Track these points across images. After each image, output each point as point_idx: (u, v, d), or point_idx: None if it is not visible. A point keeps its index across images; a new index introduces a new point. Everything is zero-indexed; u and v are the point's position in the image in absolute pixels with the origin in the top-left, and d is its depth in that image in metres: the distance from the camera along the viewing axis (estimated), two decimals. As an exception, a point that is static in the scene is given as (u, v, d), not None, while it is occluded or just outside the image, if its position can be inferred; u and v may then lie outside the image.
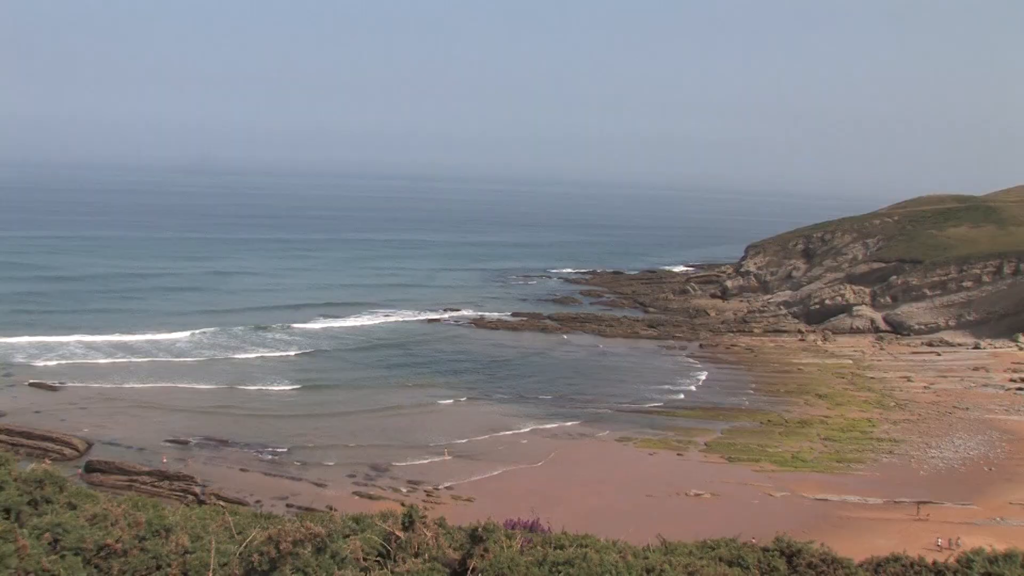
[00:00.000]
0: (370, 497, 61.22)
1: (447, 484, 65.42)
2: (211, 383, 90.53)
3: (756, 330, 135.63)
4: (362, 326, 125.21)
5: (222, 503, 52.73)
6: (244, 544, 9.11)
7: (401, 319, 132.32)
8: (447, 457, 71.66)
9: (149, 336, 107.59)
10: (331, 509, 47.33)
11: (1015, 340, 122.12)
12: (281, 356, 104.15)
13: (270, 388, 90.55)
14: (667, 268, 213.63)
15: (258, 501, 59.18)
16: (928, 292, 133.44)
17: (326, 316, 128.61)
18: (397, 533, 9.90)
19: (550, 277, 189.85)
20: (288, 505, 58.18)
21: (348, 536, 9.71)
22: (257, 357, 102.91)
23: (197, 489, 61.29)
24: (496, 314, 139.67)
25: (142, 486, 60.00)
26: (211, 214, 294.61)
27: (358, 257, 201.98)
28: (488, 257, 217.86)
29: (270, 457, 69.93)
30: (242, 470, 66.69)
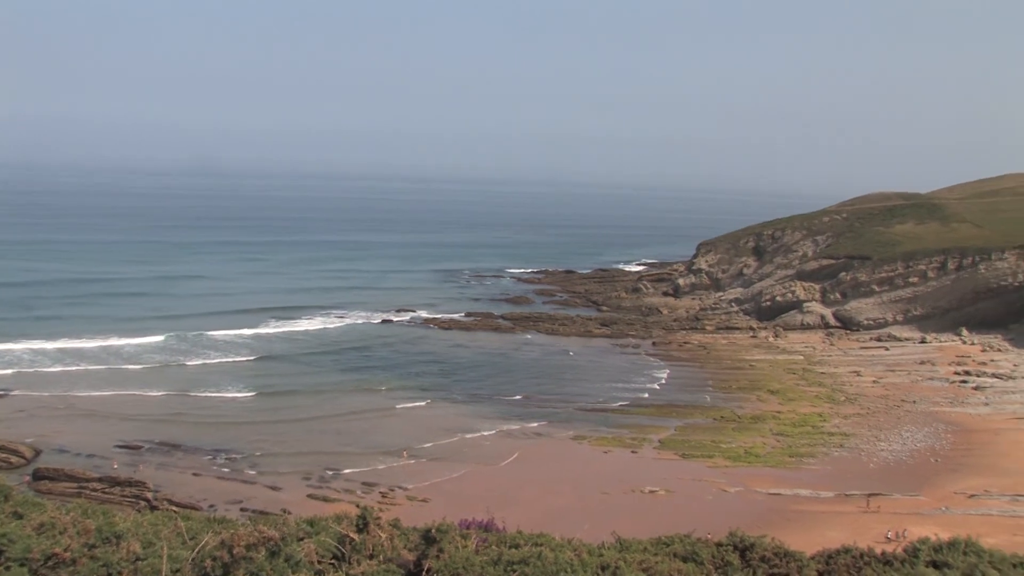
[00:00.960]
0: (325, 499, 60.79)
1: (402, 485, 65.19)
2: (163, 389, 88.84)
3: (708, 327, 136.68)
4: (316, 329, 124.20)
5: (175, 508, 51.87)
6: (197, 549, 9.03)
7: (354, 321, 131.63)
8: (403, 459, 71.39)
9: (99, 342, 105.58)
10: (285, 512, 47.01)
11: (959, 334, 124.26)
12: (234, 361, 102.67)
13: (223, 394, 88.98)
14: (619, 267, 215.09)
15: (212, 505, 58.51)
16: (876, 288, 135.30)
17: (279, 319, 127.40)
18: (351, 535, 9.87)
19: (503, 277, 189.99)
20: (242, 509, 57.62)
21: (302, 539, 9.66)
22: (209, 362, 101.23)
23: (149, 495, 60.37)
24: (450, 314, 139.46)
25: (92, 493, 58.98)
26: (165, 216, 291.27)
27: (311, 259, 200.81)
28: (441, 257, 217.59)
29: (224, 461, 69.07)
30: (195, 475, 65.85)
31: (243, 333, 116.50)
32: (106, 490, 60.70)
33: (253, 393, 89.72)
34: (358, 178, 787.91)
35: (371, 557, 9.73)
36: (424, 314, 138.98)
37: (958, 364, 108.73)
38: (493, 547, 10.45)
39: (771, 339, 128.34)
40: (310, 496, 62.21)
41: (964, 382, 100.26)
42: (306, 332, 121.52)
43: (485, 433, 79.80)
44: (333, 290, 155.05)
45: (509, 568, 9.45)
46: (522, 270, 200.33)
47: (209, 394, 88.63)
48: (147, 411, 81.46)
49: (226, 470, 67.44)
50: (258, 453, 71.26)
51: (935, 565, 10.56)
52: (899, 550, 11.60)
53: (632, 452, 75.34)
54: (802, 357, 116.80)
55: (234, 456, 70.19)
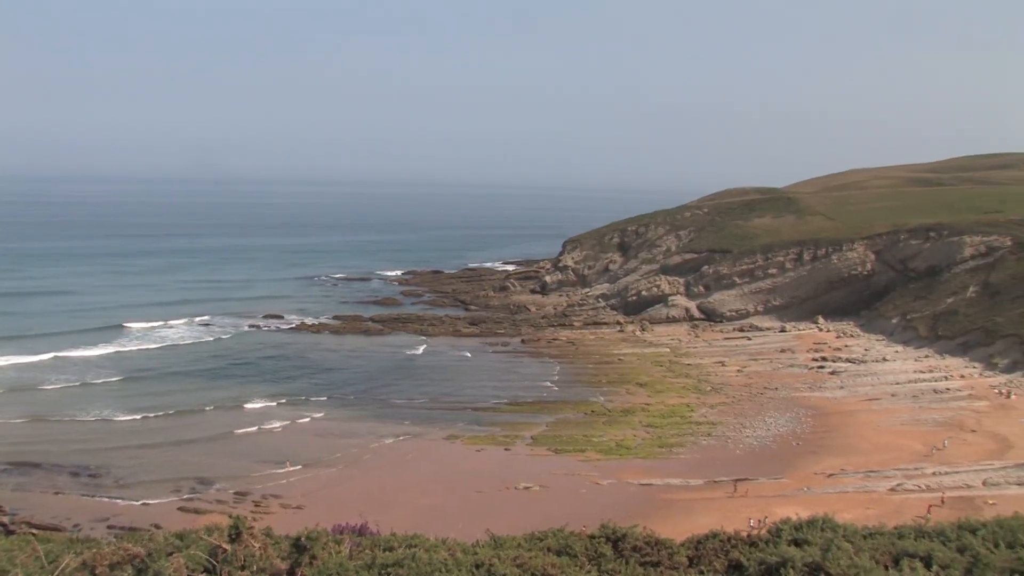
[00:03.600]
0: (196, 512, 59.02)
1: (276, 494, 63.87)
2: (16, 416, 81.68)
3: (576, 323, 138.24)
4: (181, 340, 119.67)
5: (34, 531, 49.40)
6: (56, 573, 8.47)
7: (221, 329, 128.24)
8: (273, 466, 69.81)
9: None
10: (156, 527, 45.32)
11: (815, 322, 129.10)
12: (95, 382, 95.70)
13: (85, 416, 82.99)
14: (486, 266, 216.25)
15: (76, 525, 55.93)
16: (737, 280, 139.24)
17: (142, 331, 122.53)
18: (223, 546, 9.64)
19: (370, 279, 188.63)
20: (109, 527, 55.31)
21: (172, 554, 9.42)
22: (66, 381, 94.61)
23: (4, 518, 57.26)
24: (318, 318, 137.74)
25: (-63, 523, 55.56)
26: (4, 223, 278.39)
27: (173, 266, 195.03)
28: (308, 261, 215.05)
29: (88, 479, 65.93)
30: (57, 494, 62.76)
31: (104, 350, 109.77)
32: (-48, 518, 57.18)
33: (118, 412, 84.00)
34: (214, 183, 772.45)
35: (243, 568, 9.53)
36: (293, 319, 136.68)
37: (815, 351, 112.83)
38: (367, 551, 10.60)
39: (638, 333, 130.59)
40: (181, 509, 60.26)
41: (821, 368, 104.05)
42: (171, 344, 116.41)
43: (358, 437, 78.89)
44: (198, 298, 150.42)
45: (383, 571, 9.43)
46: (390, 272, 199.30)
47: (70, 416, 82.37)
48: None
49: (91, 488, 64.45)
50: (125, 469, 68.36)
51: (796, 543, 10.96)
52: (763, 531, 12.04)
53: (505, 450, 75.51)
54: (668, 350, 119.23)
55: (99, 473, 67.13)
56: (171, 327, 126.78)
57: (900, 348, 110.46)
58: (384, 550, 10.35)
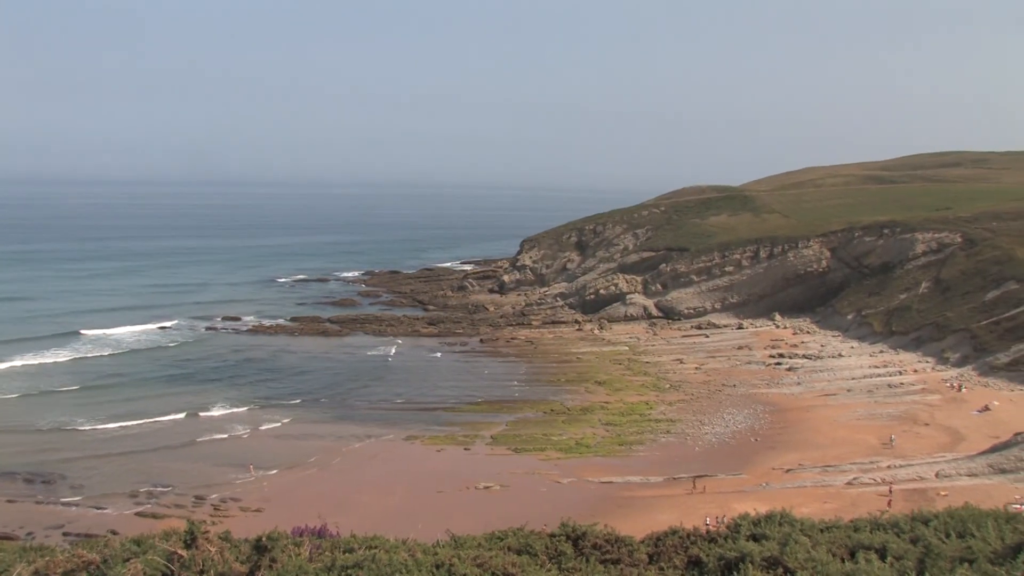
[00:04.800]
0: (154, 516, 58.42)
1: (235, 497, 63.35)
2: None
3: (535, 322, 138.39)
4: (137, 343, 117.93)
5: (-14, 540, 48.62)
6: None
7: (178, 331, 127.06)
8: (232, 470, 69.21)
9: None
10: (112, 533, 44.65)
11: (772, 319, 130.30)
12: (48, 388, 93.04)
13: (40, 420, 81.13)
14: (444, 265, 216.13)
15: (29, 533, 55.02)
16: (695, 278, 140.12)
17: (97, 336, 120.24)
18: (180, 552, 9.52)
19: (328, 280, 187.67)
20: (65, 534, 54.44)
21: (128, 560, 9.29)
22: (20, 390, 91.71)
23: (-46, 528, 56.25)
24: (276, 319, 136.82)
25: None
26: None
27: (127, 269, 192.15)
28: (264, 263, 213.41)
29: (42, 486, 64.76)
30: (9, 502, 61.61)
31: (59, 357, 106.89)
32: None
33: (76, 420, 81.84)
34: (171, 184, 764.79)
35: (201, 573, 9.44)
36: (250, 321, 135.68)
37: (772, 347, 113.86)
38: (327, 553, 10.49)
39: (596, 331, 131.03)
40: (139, 514, 59.61)
41: (778, 364, 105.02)
42: (129, 350, 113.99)
43: (317, 439, 78.48)
44: (155, 303, 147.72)
45: (343, 573, 9.40)
46: (347, 272, 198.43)
47: (24, 425, 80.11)
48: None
49: (45, 495, 63.32)
50: (82, 476, 67.25)
51: (754, 538, 11.06)
52: (722, 527, 12.16)
53: (465, 449, 75.45)
54: (627, 348, 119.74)
55: (54, 480, 65.96)
56: (127, 332, 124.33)
57: (855, 344, 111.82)
58: (344, 552, 10.32)
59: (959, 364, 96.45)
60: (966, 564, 7.82)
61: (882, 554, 9.52)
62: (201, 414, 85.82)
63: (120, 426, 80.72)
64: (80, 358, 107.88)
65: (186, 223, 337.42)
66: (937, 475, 63.49)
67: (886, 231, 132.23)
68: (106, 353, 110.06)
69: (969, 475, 62.63)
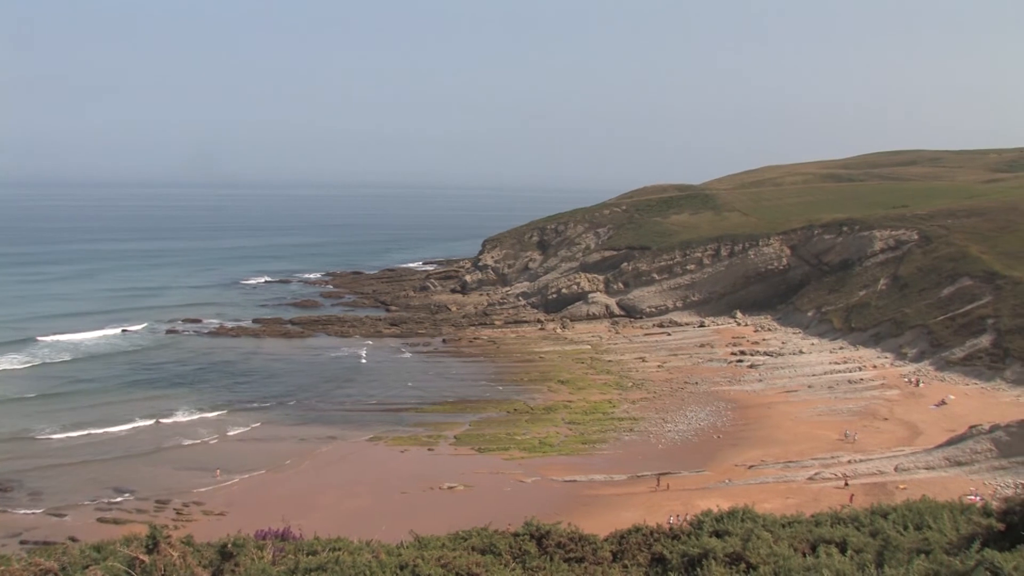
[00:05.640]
0: (115, 522, 57.48)
1: (198, 501, 62.74)
2: None
3: (497, 322, 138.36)
4: (97, 348, 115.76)
5: (-60, 548, 47.72)
6: None
7: (140, 334, 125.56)
8: (195, 474, 68.55)
9: None
10: (72, 540, 43.97)
11: (733, 316, 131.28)
12: (6, 395, 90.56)
13: None
14: (406, 266, 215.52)
15: (-15, 541, 53.95)
16: (657, 276, 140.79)
17: (58, 339, 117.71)
18: (141, 557, 9.38)
19: (290, 281, 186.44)
20: (22, 542, 53.36)
21: (88, 567, 9.19)
22: None
23: (-92, 537, 55.13)
24: (238, 321, 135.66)
25: None
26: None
27: (85, 273, 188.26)
28: (225, 264, 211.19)
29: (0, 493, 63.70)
30: (-36, 510, 60.56)
31: (16, 364, 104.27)
32: None
33: (35, 427, 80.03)
34: (124, 185, 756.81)
35: None
36: (212, 323, 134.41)
37: (734, 345, 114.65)
38: (290, 556, 10.50)
39: (558, 330, 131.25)
40: (99, 520, 58.75)
41: (740, 361, 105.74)
42: (88, 355, 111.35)
43: (281, 441, 78.03)
44: (114, 307, 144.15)
45: (307, 575, 9.27)
46: (309, 274, 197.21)
47: None
48: None
49: (2, 502, 62.13)
50: (41, 483, 65.99)
51: (717, 534, 11.11)
52: (685, 524, 12.23)
53: (429, 450, 75.31)
54: (589, 346, 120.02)
55: (11, 488, 64.73)
56: (87, 337, 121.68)
57: (816, 340, 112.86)
58: (307, 554, 10.29)
59: (917, 359, 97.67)
60: (923, 555, 7.95)
61: (842, 547, 9.63)
62: (163, 420, 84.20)
63: (82, 434, 78.63)
64: (38, 364, 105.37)
65: (147, 225, 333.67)
66: (896, 469, 64.25)
67: (845, 229, 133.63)
68: (65, 359, 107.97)
69: (927, 468, 63.45)
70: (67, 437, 77.99)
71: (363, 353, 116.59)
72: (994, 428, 63.93)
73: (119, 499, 63.17)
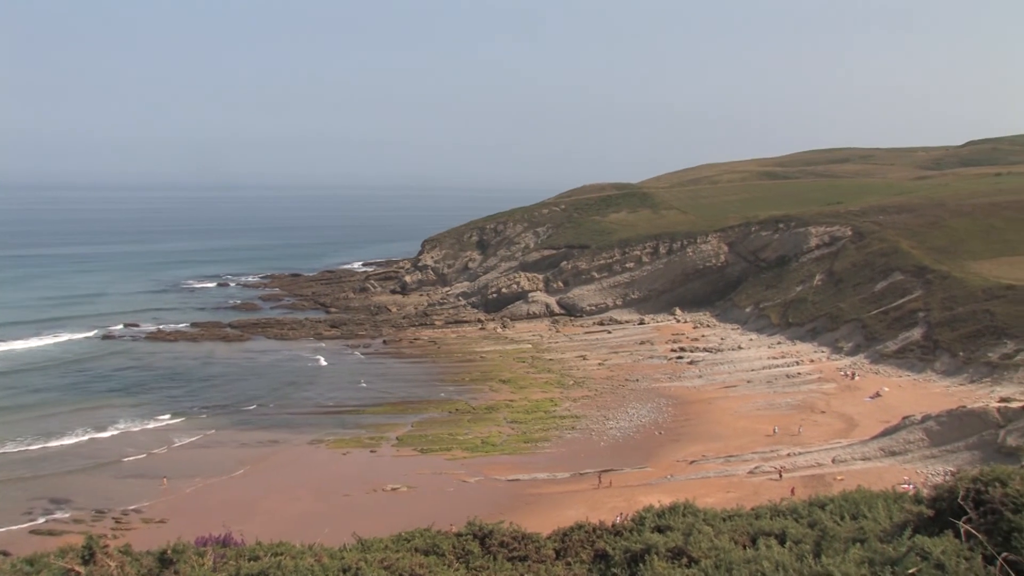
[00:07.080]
0: (50, 533, 56.04)
1: (137, 509, 61.62)
2: None
3: (438, 322, 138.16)
4: (31, 356, 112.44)
5: None
6: None
7: (71, 338, 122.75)
8: (134, 482, 67.43)
9: None
10: (3, 554, 42.91)
11: (673, 313, 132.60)
12: None
13: None
14: (345, 267, 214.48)
15: (-95, 561, 52.12)
16: (596, 275, 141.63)
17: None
18: (77, 569, 9.09)
19: (228, 284, 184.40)
20: (-51, 557, 51.98)
21: None
22: None
23: None
24: (175, 325, 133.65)
25: None
26: None
27: (13, 279, 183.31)
28: (161, 268, 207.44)
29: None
30: None
31: None
32: None
33: None
34: (57, 188, 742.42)
35: None
36: (148, 326, 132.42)
37: (674, 341, 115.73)
38: (231, 562, 10.27)
39: (499, 330, 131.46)
40: (33, 532, 57.30)
41: (680, 358, 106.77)
42: (21, 364, 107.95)
43: (220, 447, 77.08)
44: (46, 316, 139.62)
45: None
46: (247, 276, 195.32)
47: None
48: None
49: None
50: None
51: (659, 529, 11.21)
52: (627, 521, 12.25)
53: (371, 452, 75.00)
54: (530, 345, 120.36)
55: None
56: (18, 346, 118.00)
57: (754, 336, 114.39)
58: (249, 560, 10.12)
59: (852, 353, 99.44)
60: (858, 544, 8.11)
61: (782, 539, 9.77)
62: (103, 431, 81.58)
63: (18, 450, 75.68)
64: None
65: (79, 228, 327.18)
66: (833, 460, 65.38)
67: (781, 226, 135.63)
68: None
69: (863, 459, 64.67)
70: (2, 453, 75.01)
71: (303, 356, 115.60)
72: (925, 418, 65.38)
73: (55, 511, 61.68)
